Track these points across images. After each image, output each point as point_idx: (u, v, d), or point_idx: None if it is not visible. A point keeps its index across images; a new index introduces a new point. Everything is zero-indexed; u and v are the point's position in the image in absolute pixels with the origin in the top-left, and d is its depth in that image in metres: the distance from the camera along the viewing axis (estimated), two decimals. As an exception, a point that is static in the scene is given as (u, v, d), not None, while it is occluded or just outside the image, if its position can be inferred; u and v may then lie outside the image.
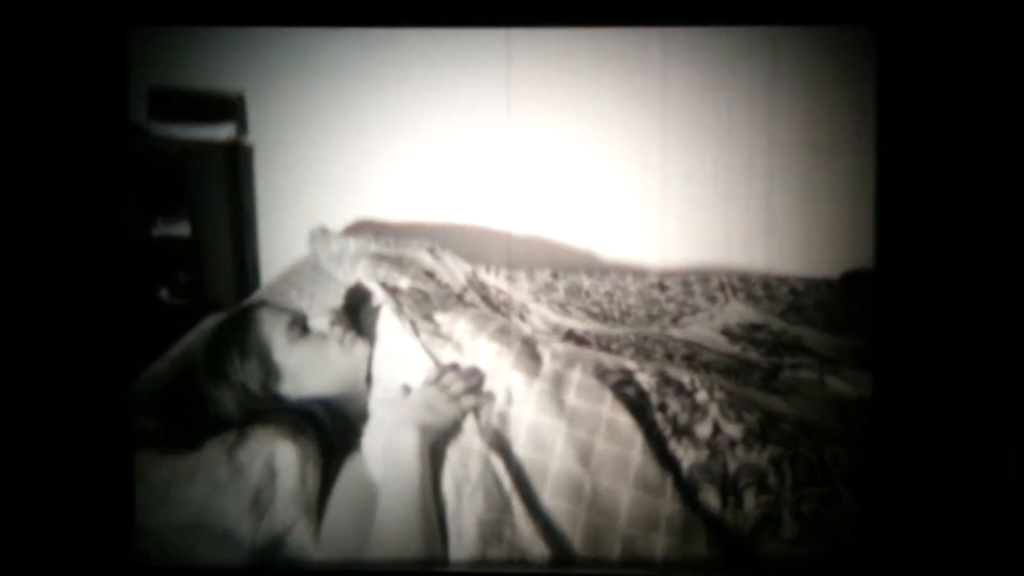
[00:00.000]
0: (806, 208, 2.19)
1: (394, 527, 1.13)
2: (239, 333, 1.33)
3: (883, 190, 1.31)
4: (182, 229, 2.05)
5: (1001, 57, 1.27)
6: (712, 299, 1.94)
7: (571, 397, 1.25)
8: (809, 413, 1.30)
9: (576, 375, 1.28)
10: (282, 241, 2.25)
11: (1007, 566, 1.22)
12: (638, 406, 1.26)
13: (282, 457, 1.18)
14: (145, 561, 1.16)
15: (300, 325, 1.35)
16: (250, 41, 2.18)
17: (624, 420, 1.23)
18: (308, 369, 1.32)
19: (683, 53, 2.09)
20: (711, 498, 1.19)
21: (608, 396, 1.25)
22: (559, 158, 2.22)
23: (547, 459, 1.19)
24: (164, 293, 2.00)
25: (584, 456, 1.19)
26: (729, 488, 1.20)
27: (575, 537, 1.14)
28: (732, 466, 1.21)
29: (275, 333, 1.33)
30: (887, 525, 1.22)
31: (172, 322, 1.59)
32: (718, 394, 1.29)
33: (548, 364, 1.29)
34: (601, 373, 1.31)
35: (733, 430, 1.24)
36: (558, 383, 1.26)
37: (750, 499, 1.18)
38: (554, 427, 1.21)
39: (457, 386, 1.25)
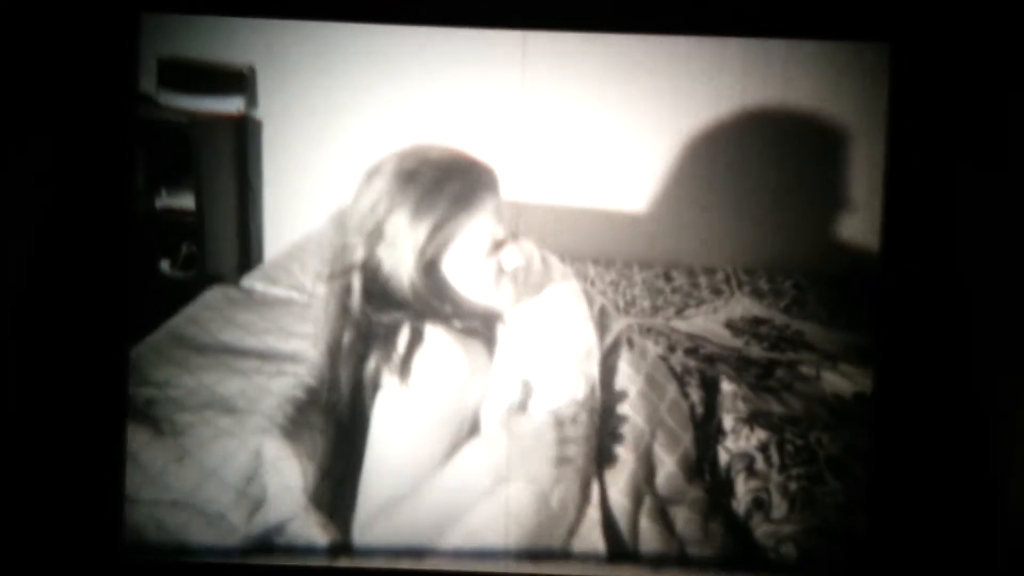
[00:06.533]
0: (814, 204, 2.18)
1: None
2: (441, 205, 1.19)
3: (891, 191, 1.31)
4: (186, 201, 2.04)
5: (1004, 66, 1.28)
6: (717, 292, 1.94)
7: (647, 364, 1.29)
8: (799, 412, 1.34)
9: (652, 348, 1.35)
10: (287, 217, 2.23)
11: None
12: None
13: (271, 451, 1.17)
14: (137, 536, 1.16)
15: (498, 248, 1.23)
16: (263, 19, 2.16)
17: (684, 405, 1.29)
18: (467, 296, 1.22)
19: (701, 57, 2.08)
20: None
21: (674, 382, 1.32)
22: (570, 145, 2.21)
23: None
24: (165, 265, 1.99)
25: (650, 416, 1.23)
26: (722, 476, 1.22)
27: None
28: (723, 457, 1.23)
29: (481, 235, 1.21)
30: (883, 521, 1.23)
31: (171, 295, 1.58)
32: (727, 386, 1.34)
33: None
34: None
35: (727, 421, 1.28)
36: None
37: (741, 485, 1.20)
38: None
39: (573, 450, 1.18)
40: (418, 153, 1.23)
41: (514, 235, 1.24)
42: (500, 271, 1.22)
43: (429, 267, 1.17)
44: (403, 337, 1.15)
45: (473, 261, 1.19)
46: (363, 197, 1.19)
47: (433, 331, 1.16)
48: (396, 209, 1.17)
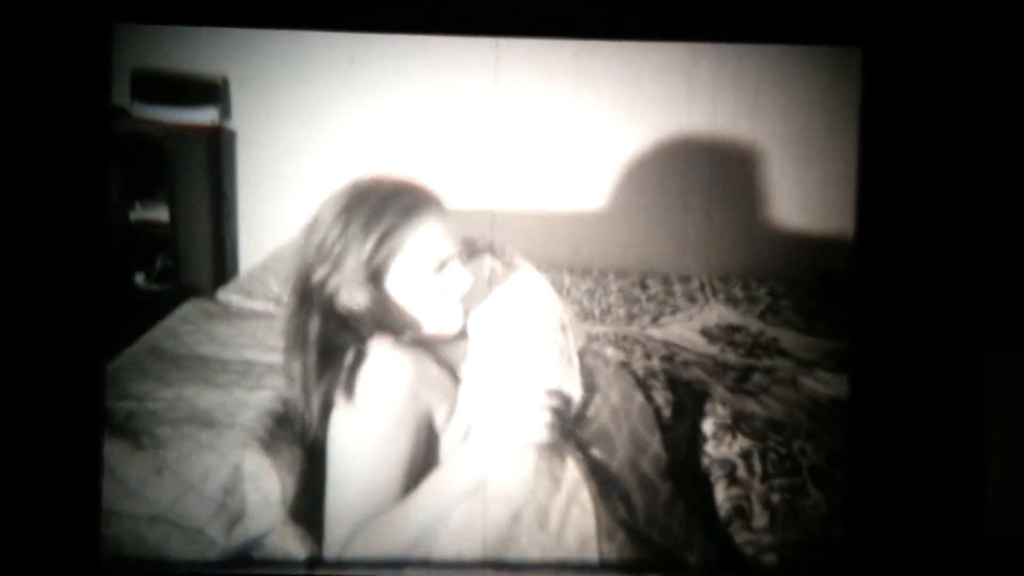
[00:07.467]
0: (787, 211, 2.20)
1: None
2: (388, 217, 1.22)
3: (863, 196, 1.33)
4: (160, 213, 2.03)
5: (975, 70, 1.30)
6: (692, 299, 1.95)
7: (609, 371, 1.30)
8: (779, 413, 1.35)
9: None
10: (262, 228, 2.23)
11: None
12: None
13: (251, 464, 1.18)
14: (116, 551, 1.15)
15: (444, 268, 1.25)
16: (236, 29, 2.15)
17: (650, 409, 1.29)
18: (407, 312, 1.24)
19: (674, 62, 2.10)
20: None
21: (638, 388, 1.32)
22: (543, 150, 2.22)
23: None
24: (140, 279, 1.98)
25: (617, 422, 1.24)
26: (701, 482, 1.23)
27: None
28: (704, 461, 1.23)
29: (426, 249, 1.23)
30: (859, 522, 1.24)
31: (147, 308, 1.57)
32: (706, 390, 1.35)
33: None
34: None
35: (706, 425, 1.27)
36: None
37: (721, 492, 1.21)
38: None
39: (545, 434, 1.19)
40: (374, 178, 1.31)
41: (468, 251, 1.29)
42: (444, 292, 1.25)
43: (374, 277, 1.20)
44: (348, 358, 1.18)
45: (418, 277, 1.22)
46: (321, 218, 1.23)
47: (378, 347, 1.19)
48: (350, 225, 1.21)
